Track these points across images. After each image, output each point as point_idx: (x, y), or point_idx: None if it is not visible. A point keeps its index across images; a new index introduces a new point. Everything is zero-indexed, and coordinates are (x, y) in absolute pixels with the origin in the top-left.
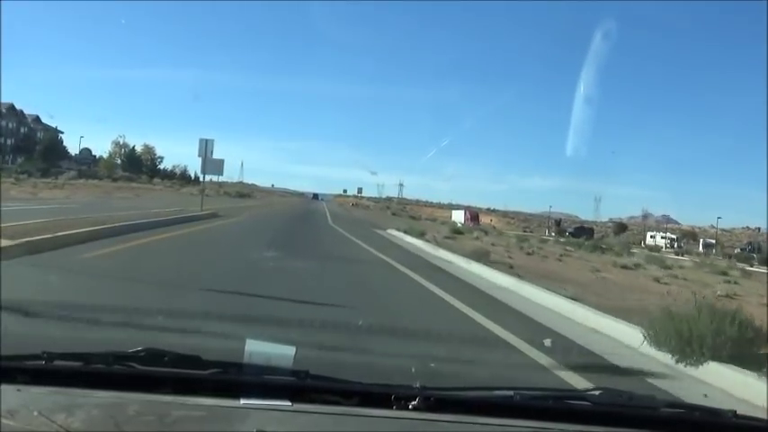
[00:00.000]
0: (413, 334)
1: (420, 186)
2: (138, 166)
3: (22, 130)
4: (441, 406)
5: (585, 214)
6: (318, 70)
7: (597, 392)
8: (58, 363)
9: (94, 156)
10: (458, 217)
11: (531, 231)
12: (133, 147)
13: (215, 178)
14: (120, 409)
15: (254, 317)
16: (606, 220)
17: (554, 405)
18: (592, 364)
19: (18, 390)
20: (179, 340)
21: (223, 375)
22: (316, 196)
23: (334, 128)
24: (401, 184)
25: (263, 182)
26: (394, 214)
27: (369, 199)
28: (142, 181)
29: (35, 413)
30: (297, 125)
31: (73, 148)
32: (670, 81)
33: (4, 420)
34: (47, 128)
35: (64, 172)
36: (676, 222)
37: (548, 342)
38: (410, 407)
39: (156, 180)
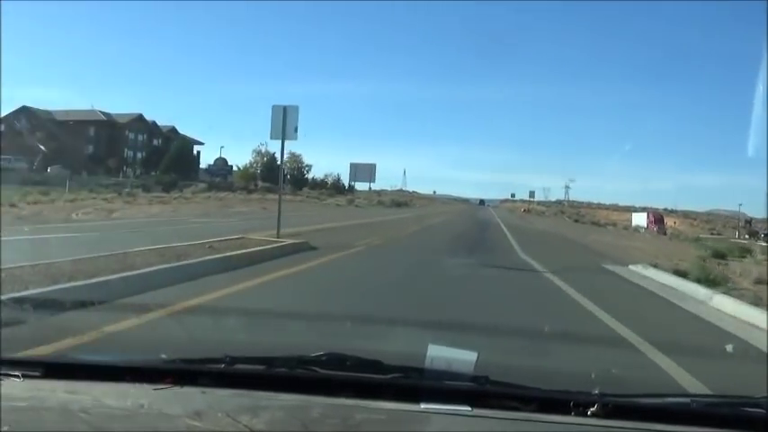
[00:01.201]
0: (592, 340)
1: (584, 188)
2: (278, 174)
3: (154, 142)
4: (619, 413)
5: (756, 211)
6: (481, 75)
7: None
8: (239, 366)
9: (230, 166)
10: (639, 220)
11: (718, 234)
12: (273, 154)
13: (370, 186)
14: (304, 412)
15: (437, 322)
16: (747, 217)
17: (730, 412)
18: None
19: (203, 392)
20: (360, 345)
21: (404, 380)
22: (482, 202)
23: (498, 132)
24: (567, 187)
25: (425, 189)
26: (576, 221)
27: (538, 203)
28: (285, 191)
29: (219, 414)
30: (459, 130)
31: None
32: None
33: (189, 421)
34: (184, 139)
35: (192, 185)
36: None
37: (729, 348)
38: (588, 413)
39: (305, 190)
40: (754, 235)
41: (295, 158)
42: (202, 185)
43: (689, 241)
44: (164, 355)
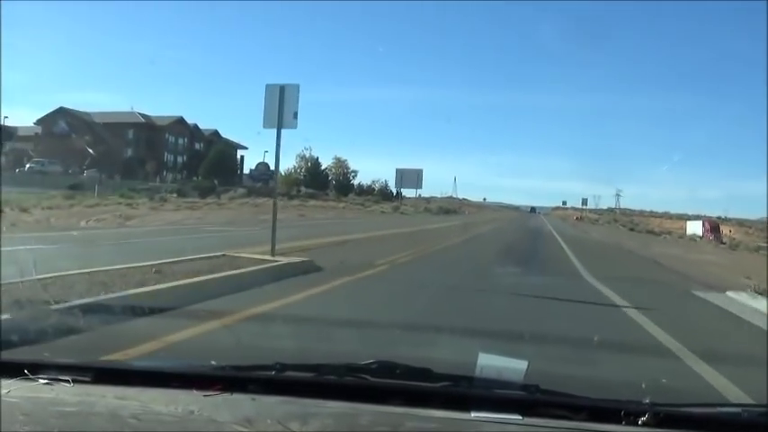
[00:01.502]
0: (643, 349)
1: (634, 196)
2: (323, 180)
3: (195, 145)
4: (671, 422)
5: None
6: (532, 81)
7: None
8: (289, 373)
9: (272, 171)
10: (694, 229)
11: None
12: (317, 159)
13: (417, 192)
14: (353, 419)
15: (487, 331)
16: None
17: None
18: None
19: (252, 399)
20: (410, 353)
21: (454, 388)
22: (533, 210)
23: (549, 139)
24: (618, 195)
25: (475, 196)
26: (632, 230)
27: (589, 211)
28: (329, 198)
29: (269, 421)
30: (510, 137)
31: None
32: None
33: (238, 427)
34: (225, 143)
35: (231, 190)
36: None
37: None
38: (639, 423)
39: (351, 196)
40: None
41: (340, 164)
42: (241, 191)
43: (752, 250)
44: (213, 362)
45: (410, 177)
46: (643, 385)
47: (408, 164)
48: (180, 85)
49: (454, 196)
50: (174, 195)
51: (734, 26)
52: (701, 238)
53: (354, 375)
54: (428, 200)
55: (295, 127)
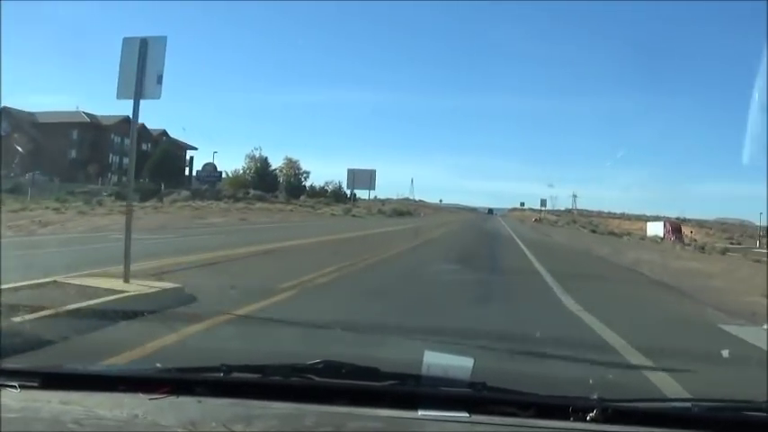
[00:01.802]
0: (590, 345)
1: (591, 197)
2: (272, 182)
3: (143, 146)
4: (619, 418)
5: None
6: (489, 84)
7: None
8: (236, 375)
9: (221, 172)
10: (655, 230)
11: (738, 243)
12: (266, 159)
13: (369, 194)
14: (298, 420)
15: (432, 328)
16: None
17: (732, 416)
18: None
19: (198, 401)
20: (357, 352)
21: (401, 387)
22: (491, 211)
23: (506, 141)
24: (575, 196)
25: (432, 198)
26: (594, 232)
27: (547, 212)
28: (278, 200)
29: (214, 423)
30: (467, 140)
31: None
32: None
33: (180, 430)
34: (171, 142)
35: (175, 192)
36: None
37: (725, 353)
38: (588, 419)
39: (303, 198)
40: None
41: (292, 164)
42: (185, 193)
43: (720, 252)
44: (159, 365)
45: (362, 178)
46: (590, 381)
47: (365, 165)
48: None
49: (410, 198)
50: (113, 199)
51: (683, 25)
52: (662, 239)
53: (300, 376)
54: (383, 201)
55: (158, 96)
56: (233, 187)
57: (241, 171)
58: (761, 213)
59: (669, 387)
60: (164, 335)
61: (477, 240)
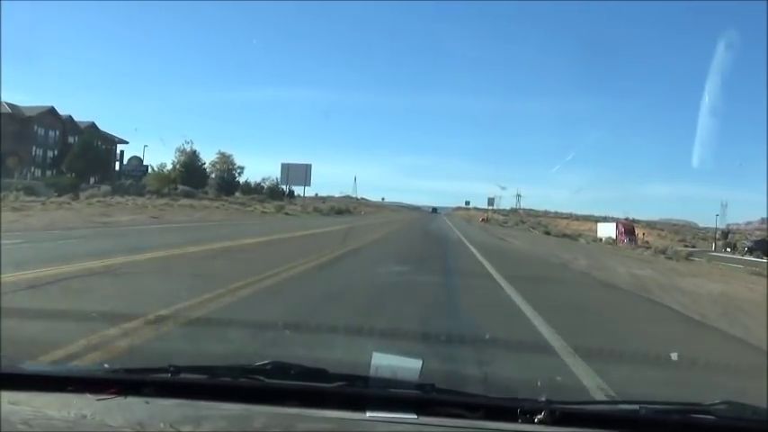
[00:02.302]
0: (539, 348)
1: (536, 197)
2: (201, 177)
3: (70, 139)
4: (566, 420)
5: (705, 221)
6: (435, 85)
7: (722, 406)
8: (184, 376)
9: (146, 167)
10: (607, 231)
11: (692, 246)
12: (194, 152)
13: (304, 190)
14: (246, 422)
15: (381, 330)
16: (724, 227)
17: (679, 419)
18: None
19: (146, 402)
20: (306, 354)
21: (349, 388)
22: (435, 210)
23: (451, 140)
24: (519, 195)
25: (377, 196)
26: (548, 233)
27: (493, 211)
28: (207, 196)
29: (162, 424)
30: (412, 139)
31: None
32: None
33: (128, 431)
34: (93, 134)
35: (96, 187)
36: None
37: (674, 356)
38: (536, 420)
39: (237, 195)
40: (728, 247)
41: (225, 159)
42: (105, 188)
43: (682, 258)
44: (107, 365)
45: (297, 173)
46: (538, 383)
47: (308, 163)
48: (60, 77)
49: (352, 195)
50: (21, 194)
51: (633, 28)
52: (614, 240)
53: (249, 377)
54: (324, 199)
55: None
56: (158, 182)
57: (173, 165)
58: (716, 215)
59: (618, 390)
60: None
61: (423, 247)
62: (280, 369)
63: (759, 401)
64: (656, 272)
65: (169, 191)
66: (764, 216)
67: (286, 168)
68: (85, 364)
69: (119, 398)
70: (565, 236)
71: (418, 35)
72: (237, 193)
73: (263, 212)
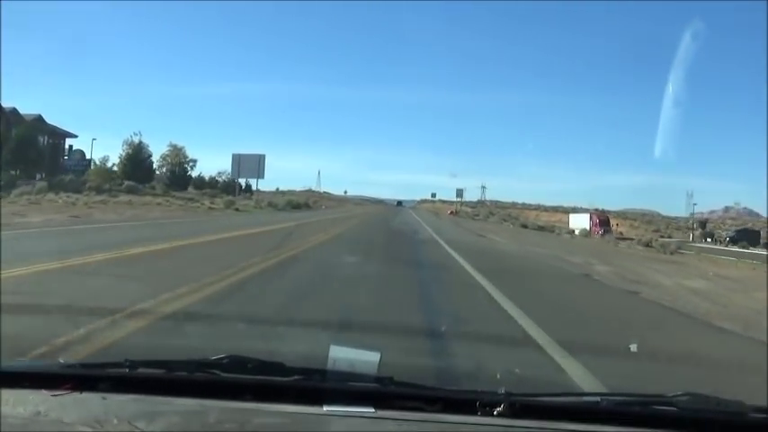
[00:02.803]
0: (497, 340)
1: (500, 188)
2: (147, 171)
3: (14, 132)
4: (526, 412)
5: (668, 210)
6: (401, 78)
7: (685, 397)
8: (140, 370)
9: (89, 161)
10: (580, 223)
11: (669, 236)
12: (139, 144)
13: (257, 183)
14: (201, 417)
15: (338, 323)
16: (687, 215)
17: (640, 410)
18: None
19: (103, 398)
20: (262, 347)
21: (306, 382)
22: (400, 203)
23: (414, 134)
24: (483, 187)
25: (340, 189)
26: (525, 227)
27: (460, 203)
28: (155, 191)
29: (116, 421)
30: (376, 133)
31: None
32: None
33: (83, 428)
34: (52, 130)
35: (26, 184)
36: (758, 215)
37: (633, 347)
38: (495, 413)
39: (190, 189)
40: (707, 237)
41: (177, 152)
42: (42, 184)
43: (671, 252)
44: (62, 360)
45: (250, 164)
46: (498, 375)
47: (272, 158)
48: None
49: (314, 189)
50: None
51: (595, 18)
52: (588, 232)
53: (205, 371)
54: (284, 193)
55: None
56: (99, 177)
57: (120, 159)
58: (694, 204)
59: (580, 382)
60: None
61: (383, 253)
62: (236, 363)
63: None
64: (709, 282)
65: (111, 187)
66: (727, 205)
67: (237, 159)
68: (42, 359)
69: (74, 393)
70: (541, 228)
71: (382, 28)
72: (191, 188)
73: (209, 209)
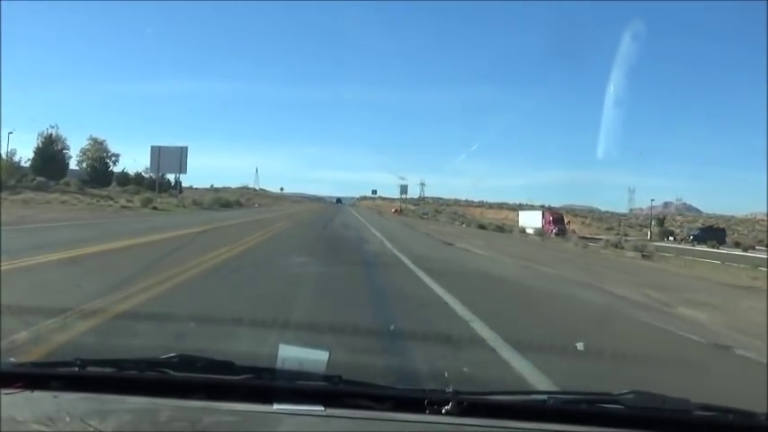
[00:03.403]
0: (446, 339)
1: (439, 185)
2: (59, 166)
3: None
4: (474, 410)
5: (606, 205)
6: (339, 76)
7: (631, 395)
8: (91, 369)
9: None
10: (530, 221)
11: (625, 235)
12: (50, 136)
13: (177, 177)
14: (152, 415)
15: (287, 322)
16: (627, 211)
17: (587, 409)
18: None
19: (54, 396)
20: (212, 346)
21: (256, 381)
22: (339, 201)
23: (354, 131)
24: (423, 184)
25: (277, 187)
26: (482, 227)
27: (404, 201)
28: (70, 188)
29: (68, 419)
30: (314, 130)
31: None
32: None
33: (36, 426)
34: None
35: None
36: (697, 210)
37: (580, 346)
38: (443, 411)
39: (113, 186)
40: (670, 235)
41: (98, 145)
42: None
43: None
44: (12, 359)
45: (171, 158)
46: (446, 374)
47: (210, 156)
48: None
49: (249, 186)
50: None
51: (536, 18)
52: (541, 231)
53: (156, 370)
54: (218, 190)
55: None
56: (5, 172)
57: (34, 154)
58: (651, 200)
59: (530, 380)
60: None
61: (317, 281)
62: (186, 362)
63: (668, 391)
64: None
65: (16, 183)
66: (666, 200)
67: (156, 152)
68: None
69: (26, 392)
70: (500, 229)
71: (321, 26)
72: (115, 185)
73: (123, 207)
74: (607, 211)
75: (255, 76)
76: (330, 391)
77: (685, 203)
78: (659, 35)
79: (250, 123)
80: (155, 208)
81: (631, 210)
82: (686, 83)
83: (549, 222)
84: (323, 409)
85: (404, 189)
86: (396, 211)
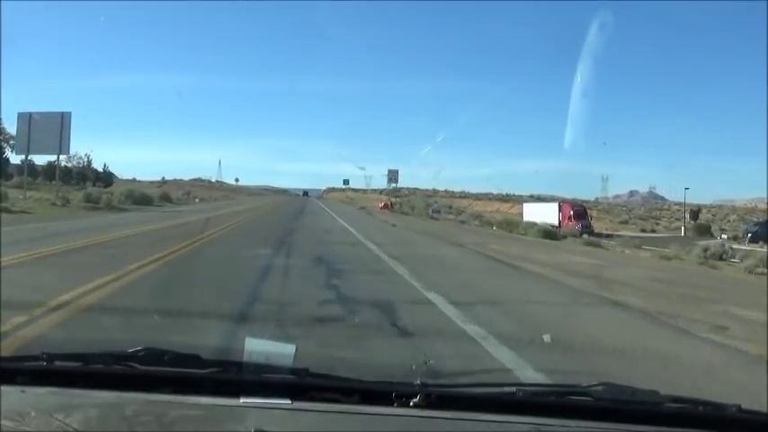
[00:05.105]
0: (413, 331)
1: (406, 176)
2: None
3: None
4: (442, 403)
5: (578, 194)
6: (303, 68)
7: (600, 388)
8: (57, 363)
9: None
10: (542, 216)
11: (652, 231)
12: None
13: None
14: (118, 409)
15: (254, 315)
16: (593, 199)
17: (556, 401)
18: None
19: (22, 391)
20: (179, 339)
21: (223, 374)
22: (306, 193)
23: (319, 123)
24: (394, 171)
25: (245, 180)
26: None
27: (372, 192)
28: None
29: (33, 414)
30: (279, 122)
31: None
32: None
33: (4, 421)
34: None
35: None
36: (663, 198)
37: (547, 338)
38: (411, 404)
39: (14, 178)
40: (707, 231)
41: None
42: None
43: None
44: None
45: (46, 129)
46: (413, 367)
47: (179, 149)
48: None
49: (204, 178)
50: None
51: (500, 12)
52: (558, 227)
53: (122, 363)
54: (160, 184)
55: None
56: None
57: None
58: (686, 189)
59: (498, 372)
60: None
61: None
62: (152, 355)
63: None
64: None
65: None
66: (632, 189)
67: (26, 121)
68: None
69: None
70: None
71: (285, 17)
72: (15, 177)
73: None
74: (575, 199)
75: (214, 67)
76: (297, 384)
77: (651, 191)
78: (628, 24)
79: (210, 115)
80: (54, 205)
81: (597, 198)
82: (655, 71)
83: (569, 218)
84: (290, 402)
85: (393, 176)
86: (384, 206)
